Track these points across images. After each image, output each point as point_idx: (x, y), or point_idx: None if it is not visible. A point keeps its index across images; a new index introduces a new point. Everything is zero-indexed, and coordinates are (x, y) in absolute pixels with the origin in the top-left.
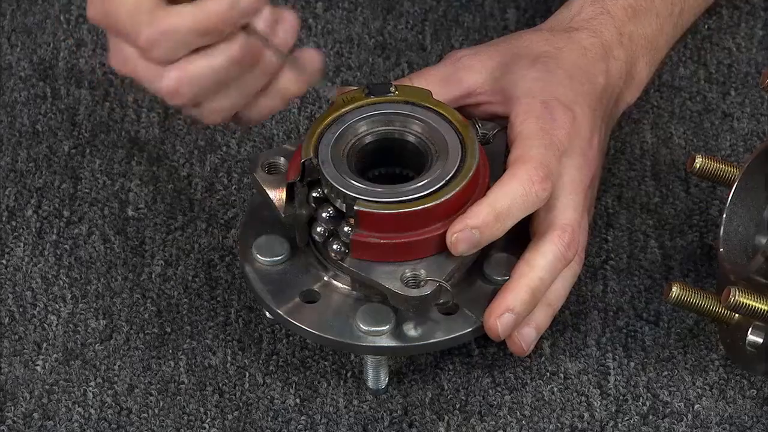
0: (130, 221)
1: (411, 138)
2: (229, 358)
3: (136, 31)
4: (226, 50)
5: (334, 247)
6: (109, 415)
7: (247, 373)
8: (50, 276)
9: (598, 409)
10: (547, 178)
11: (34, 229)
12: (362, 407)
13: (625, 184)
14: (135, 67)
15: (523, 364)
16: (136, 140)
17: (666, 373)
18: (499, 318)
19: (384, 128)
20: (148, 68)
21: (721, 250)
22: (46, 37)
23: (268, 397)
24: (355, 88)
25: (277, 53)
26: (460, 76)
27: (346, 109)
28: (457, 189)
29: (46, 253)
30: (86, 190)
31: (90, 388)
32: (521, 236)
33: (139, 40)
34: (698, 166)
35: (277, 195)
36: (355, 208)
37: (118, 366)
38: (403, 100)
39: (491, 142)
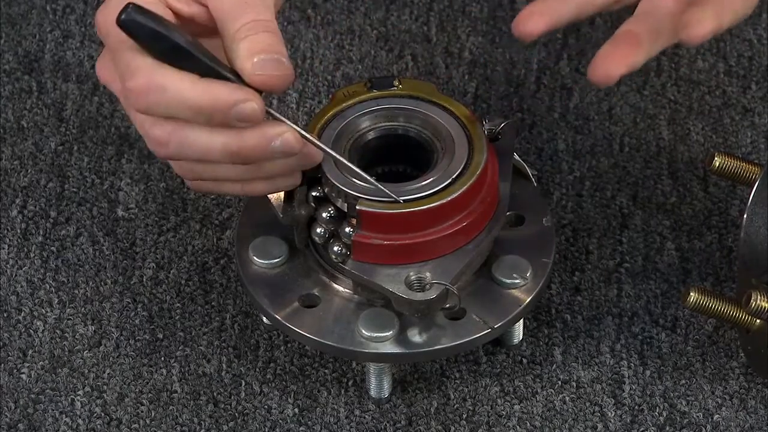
0: (120, 222)
1: (415, 134)
2: (224, 366)
3: (129, 72)
4: (229, 140)
5: (335, 248)
6: (98, 426)
7: (244, 382)
8: (36, 279)
9: (612, 420)
10: None
11: (19, 230)
12: (364, 417)
13: (641, 182)
14: (118, 92)
15: (534, 372)
16: (127, 137)
17: (684, 381)
18: None
19: (387, 124)
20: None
21: (742, 252)
22: (32, 28)
23: (266, 406)
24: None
25: (292, 139)
26: None
27: (348, 103)
28: (465, 187)
29: (32, 255)
30: (74, 189)
31: (78, 397)
32: (532, 239)
33: (128, 83)
34: (717, 164)
35: (275, 194)
36: (357, 207)
37: (108, 374)
38: (407, 95)
39: (499, 138)
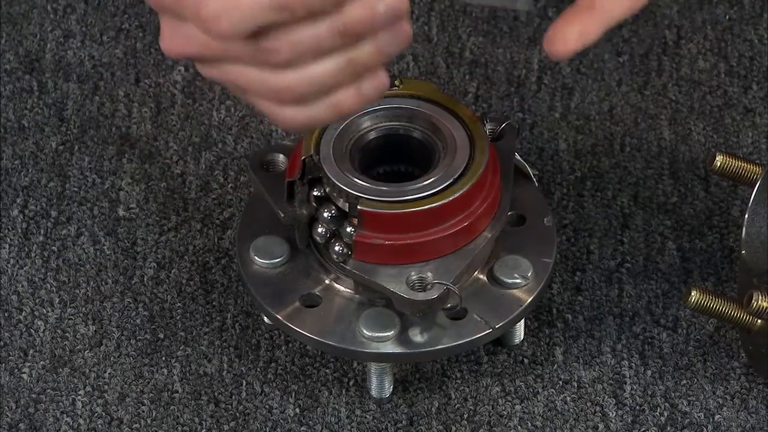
0: (121, 221)
1: (417, 134)
2: (225, 366)
3: (201, 2)
4: (333, 20)
5: (336, 248)
6: (99, 426)
7: (245, 382)
8: (37, 279)
9: (613, 420)
10: None
11: (20, 230)
12: (365, 417)
13: (642, 182)
14: (199, 45)
15: (535, 372)
16: (128, 136)
17: (685, 381)
18: None
19: (388, 123)
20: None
21: (743, 252)
22: (33, 27)
23: (267, 406)
24: None
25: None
26: None
27: None
28: (466, 187)
29: (33, 254)
30: (75, 189)
31: (79, 397)
32: (534, 239)
33: (203, 11)
34: (719, 164)
35: (276, 194)
36: (358, 207)
37: (109, 374)
38: (408, 94)
39: (501, 138)
